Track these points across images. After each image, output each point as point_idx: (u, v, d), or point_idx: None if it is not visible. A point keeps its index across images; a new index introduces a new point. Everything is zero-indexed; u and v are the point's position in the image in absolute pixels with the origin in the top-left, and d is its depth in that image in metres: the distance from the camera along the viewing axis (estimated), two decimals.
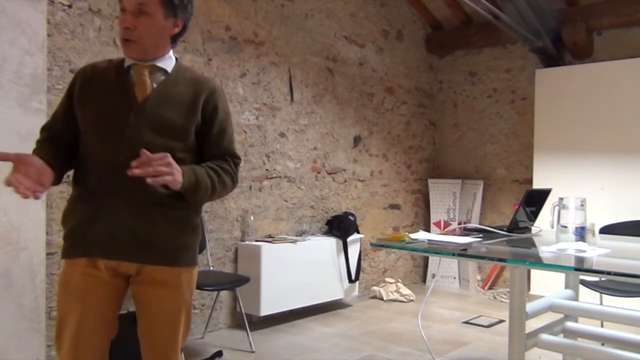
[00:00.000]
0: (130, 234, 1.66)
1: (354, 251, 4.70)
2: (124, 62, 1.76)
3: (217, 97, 1.82)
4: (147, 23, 1.66)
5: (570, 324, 2.83)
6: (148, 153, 1.54)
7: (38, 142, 1.77)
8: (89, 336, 1.69)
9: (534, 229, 3.03)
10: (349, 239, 4.63)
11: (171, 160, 1.58)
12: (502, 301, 4.98)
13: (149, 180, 1.53)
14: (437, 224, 5.73)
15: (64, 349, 1.70)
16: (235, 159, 1.85)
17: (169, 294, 1.74)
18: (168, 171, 1.56)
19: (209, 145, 1.80)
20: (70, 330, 1.68)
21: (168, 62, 1.77)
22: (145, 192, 1.63)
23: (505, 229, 2.87)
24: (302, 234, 4.57)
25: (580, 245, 2.38)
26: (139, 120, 1.68)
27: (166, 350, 1.76)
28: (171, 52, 1.79)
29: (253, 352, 3.53)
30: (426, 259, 5.85)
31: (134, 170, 1.52)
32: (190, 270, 1.79)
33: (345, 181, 5.04)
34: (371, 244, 2.81)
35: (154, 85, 1.73)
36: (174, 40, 1.78)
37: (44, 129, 1.80)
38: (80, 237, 1.69)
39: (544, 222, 2.99)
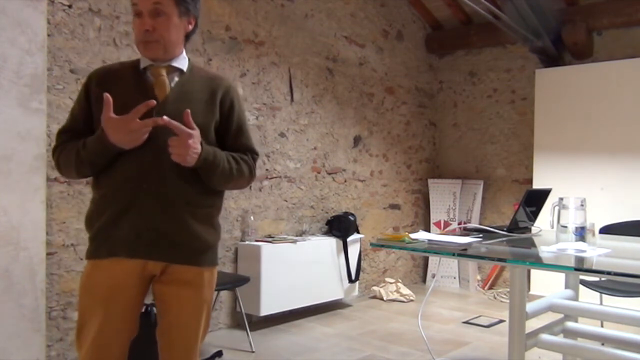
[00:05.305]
0: (157, 232, 1.68)
1: (354, 251, 4.70)
2: (139, 63, 1.78)
3: (233, 94, 1.86)
4: (165, 23, 1.70)
5: (570, 324, 2.82)
6: (191, 120, 1.66)
7: (61, 144, 1.76)
8: (111, 337, 1.69)
9: (534, 229, 3.03)
10: (349, 239, 4.63)
11: (198, 141, 1.68)
12: (502, 301, 4.98)
13: (174, 157, 1.65)
14: (437, 224, 5.73)
15: (84, 348, 1.69)
16: (253, 154, 1.90)
17: (192, 294, 1.76)
18: (194, 150, 1.67)
19: (227, 142, 1.84)
20: (93, 331, 1.68)
21: (183, 62, 1.80)
22: (172, 190, 1.69)
23: (505, 229, 2.87)
24: (302, 234, 4.57)
25: (580, 245, 2.38)
26: None
27: (186, 350, 1.77)
28: (184, 51, 1.82)
29: (253, 352, 3.53)
30: (426, 259, 5.85)
31: (164, 119, 1.62)
32: (212, 270, 1.82)
33: (345, 181, 5.04)
34: (371, 244, 2.80)
35: (172, 85, 1.76)
36: (187, 38, 1.82)
37: (64, 132, 1.79)
38: (107, 237, 1.69)
39: (544, 222, 2.99)
